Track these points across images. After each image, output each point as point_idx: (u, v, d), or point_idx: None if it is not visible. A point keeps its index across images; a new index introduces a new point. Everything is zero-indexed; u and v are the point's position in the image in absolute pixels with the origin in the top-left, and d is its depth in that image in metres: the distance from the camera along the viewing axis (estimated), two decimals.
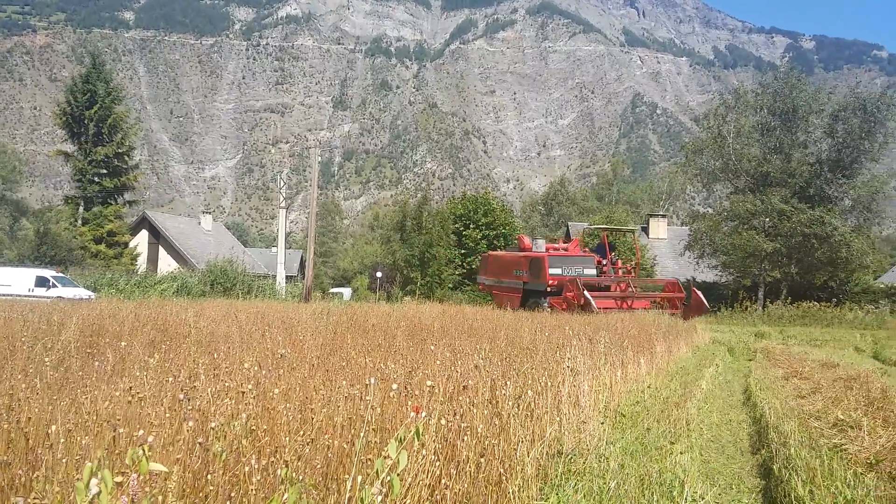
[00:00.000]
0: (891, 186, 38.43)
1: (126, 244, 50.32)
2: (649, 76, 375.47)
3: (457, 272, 51.19)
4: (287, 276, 55.76)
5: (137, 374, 4.59)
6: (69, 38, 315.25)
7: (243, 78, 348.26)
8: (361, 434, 2.67)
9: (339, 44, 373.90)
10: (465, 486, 3.20)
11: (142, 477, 1.76)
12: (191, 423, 2.92)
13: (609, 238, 30.15)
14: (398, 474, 2.24)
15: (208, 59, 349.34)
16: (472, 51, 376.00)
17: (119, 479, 1.68)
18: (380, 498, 2.12)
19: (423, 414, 2.63)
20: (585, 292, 22.14)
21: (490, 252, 36.86)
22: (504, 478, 3.55)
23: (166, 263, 54.08)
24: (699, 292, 24.23)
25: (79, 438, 2.92)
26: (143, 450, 1.70)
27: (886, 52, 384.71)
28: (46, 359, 5.96)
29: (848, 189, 37.36)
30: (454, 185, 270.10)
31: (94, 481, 1.50)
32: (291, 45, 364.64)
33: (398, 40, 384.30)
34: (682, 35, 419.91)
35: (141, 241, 55.91)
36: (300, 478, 2.41)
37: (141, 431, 1.81)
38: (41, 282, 32.40)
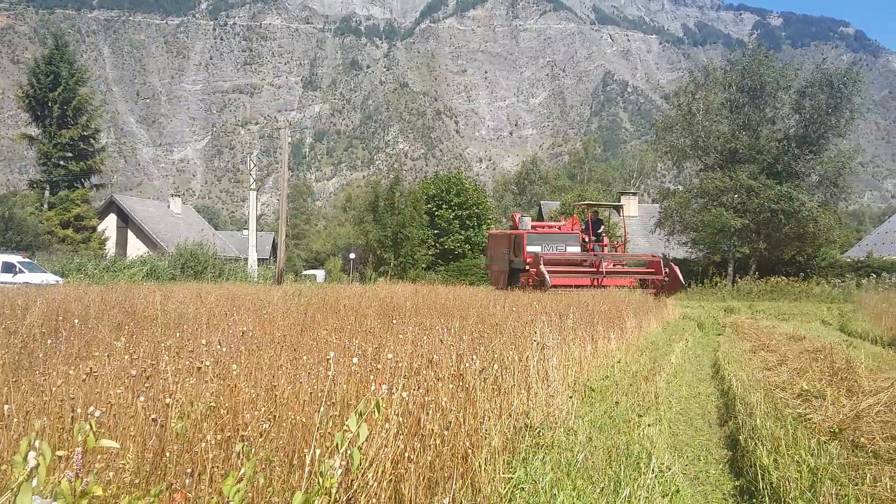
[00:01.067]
0: (856, 162, 38.96)
1: (94, 228, 49.57)
2: (620, 54, 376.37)
3: (430, 252, 51.22)
4: (259, 259, 55.36)
5: (97, 354, 4.53)
6: (31, 19, 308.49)
7: (211, 58, 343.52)
8: (321, 408, 2.66)
9: (307, 23, 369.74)
10: (430, 459, 3.19)
11: (94, 453, 1.73)
12: (142, 399, 2.88)
13: (599, 215, 29.61)
14: (359, 447, 2.23)
15: (174, 40, 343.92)
16: (442, 29, 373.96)
17: (61, 452, 1.65)
18: (340, 471, 2.11)
19: (384, 387, 2.61)
20: (541, 267, 21.63)
21: (490, 231, 36.44)
22: (470, 451, 3.55)
23: (135, 247, 53.41)
24: (676, 268, 23.77)
25: (35, 419, 2.87)
26: (91, 424, 1.66)
27: (853, 29, 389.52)
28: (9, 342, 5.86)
29: (815, 165, 37.79)
30: (426, 165, 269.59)
31: (31, 454, 1.47)
32: (259, 24, 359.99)
33: (368, 19, 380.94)
34: (652, 13, 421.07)
35: (109, 225, 55.14)
36: (260, 453, 2.40)
37: (95, 411, 1.78)
38: (7, 268, 31.79)
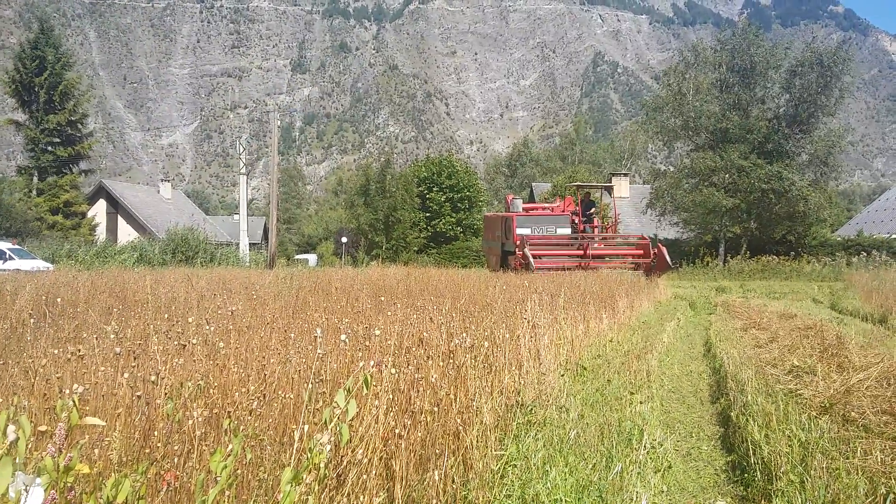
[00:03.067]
0: (846, 141, 39.01)
1: (83, 214, 49.31)
2: (610, 35, 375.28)
3: (422, 235, 51.19)
4: (251, 244, 55.17)
5: (85, 335, 4.50)
6: (16, 3, 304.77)
7: (198, 41, 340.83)
8: (309, 385, 2.64)
9: (295, 5, 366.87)
10: (421, 436, 3.19)
11: (80, 431, 1.71)
12: (125, 375, 2.86)
13: (591, 196, 29.55)
14: (348, 423, 2.22)
15: (161, 23, 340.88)
16: (431, 10, 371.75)
17: (43, 428, 1.63)
18: (329, 447, 2.10)
19: (372, 363, 2.60)
20: (525, 250, 21.74)
21: (485, 213, 36.42)
22: (461, 429, 3.55)
23: (126, 233, 53.16)
24: (664, 249, 23.76)
25: (23, 399, 2.85)
26: (74, 400, 1.64)
27: (842, 7, 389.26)
28: None
29: (805, 144, 37.83)
30: (417, 148, 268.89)
31: (11, 428, 1.44)
32: (246, 6, 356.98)
33: (356, 0, 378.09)
34: None
35: (99, 211, 54.84)
36: (249, 430, 2.38)
37: (79, 387, 1.75)
38: None
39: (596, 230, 26.83)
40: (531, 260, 21.15)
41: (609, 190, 30.94)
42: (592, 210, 27.86)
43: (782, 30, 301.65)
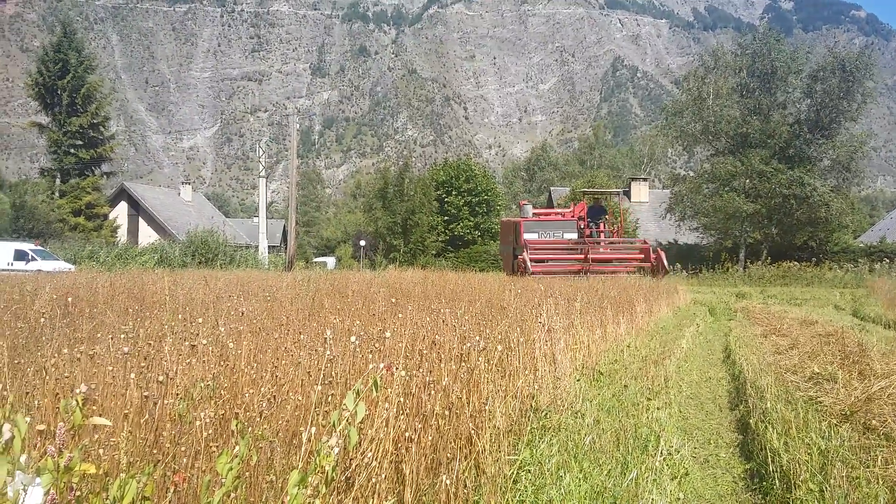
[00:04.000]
0: (869, 146, 38.64)
1: (105, 216, 49.77)
2: (629, 39, 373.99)
3: (440, 239, 51.18)
4: (270, 247, 55.46)
5: (100, 335, 4.51)
6: (39, 7, 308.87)
7: (219, 45, 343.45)
8: (317, 387, 2.62)
9: (315, 9, 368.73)
10: (432, 439, 3.16)
11: (85, 430, 1.70)
12: (132, 376, 2.86)
13: (600, 202, 30.32)
14: (357, 426, 2.19)
15: (182, 27, 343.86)
16: (450, 15, 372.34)
17: (41, 427, 1.62)
18: (337, 450, 2.07)
19: (382, 365, 2.58)
20: (524, 254, 22.67)
21: (502, 218, 37.61)
22: (474, 433, 3.52)
23: (147, 235, 53.57)
24: (662, 254, 24.40)
25: (35, 399, 2.85)
26: (77, 400, 1.62)
27: (864, 12, 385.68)
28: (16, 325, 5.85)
29: (827, 149, 37.51)
30: (436, 151, 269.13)
31: (6, 427, 1.43)
32: (266, 10, 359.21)
33: (375, 4, 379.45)
34: None
35: (120, 212, 55.30)
36: (257, 432, 2.36)
37: (83, 386, 1.74)
38: (20, 255, 31.99)
39: (602, 235, 27.35)
40: (528, 264, 22.02)
41: (616, 196, 31.41)
42: (602, 216, 28.45)
43: (804, 34, 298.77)
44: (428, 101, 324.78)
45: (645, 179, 56.92)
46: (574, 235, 26.27)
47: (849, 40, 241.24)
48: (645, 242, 26.38)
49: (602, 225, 28.21)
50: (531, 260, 22.49)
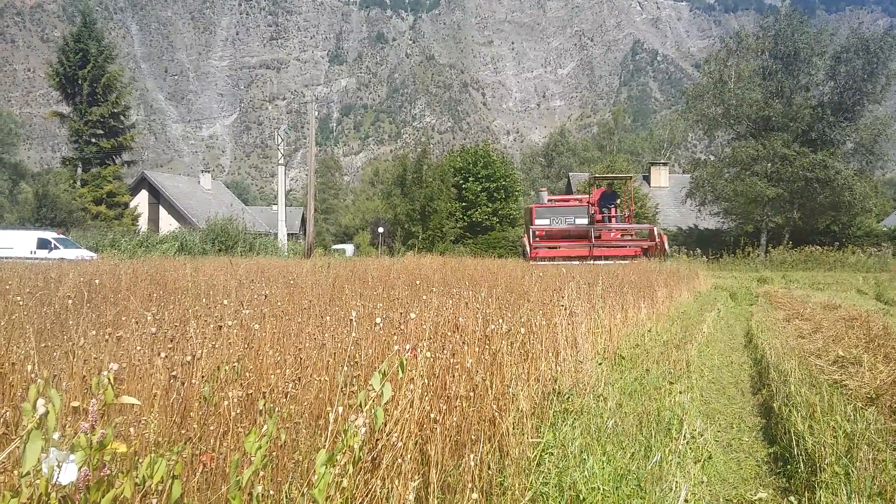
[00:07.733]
0: (893, 129, 38.10)
1: (126, 205, 50.18)
2: (649, 22, 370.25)
3: (458, 225, 51.12)
4: (289, 234, 55.72)
5: (124, 319, 4.56)
6: None
7: (237, 34, 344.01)
8: (344, 367, 2.63)
9: None
10: (456, 421, 3.17)
11: (114, 409, 1.72)
12: (163, 355, 2.88)
13: (613, 187, 30.69)
14: (383, 407, 2.20)
15: (201, 16, 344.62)
16: (468, 0, 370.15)
17: (76, 403, 1.64)
18: (364, 430, 2.08)
19: (408, 347, 2.58)
20: (524, 238, 23.32)
21: (525, 205, 38.63)
22: (497, 415, 3.52)
23: (167, 223, 54.01)
24: (664, 237, 25.28)
25: (63, 381, 2.89)
26: (108, 377, 1.64)
27: None
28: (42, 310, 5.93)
29: (850, 132, 37.03)
30: (454, 138, 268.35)
31: (40, 402, 1.44)
32: None
33: None
34: None
35: (141, 201, 55.77)
36: (283, 412, 2.38)
37: (113, 365, 1.76)
38: (43, 244, 32.35)
39: (613, 220, 27.58)
40: (528, 248, 22.76)
41: (627, 181, 31.88)
42: (616, 201, 28.80)
43: (827, 16, 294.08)
44: (446, 87, 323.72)
45: (665, 164, 56.56)
46: (585, 221, 26.76)
47: (873, 21, 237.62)
48: (651, 227, 27.17)
49: (614, 210, 28.52)
50: (534, 246, 23.16)
